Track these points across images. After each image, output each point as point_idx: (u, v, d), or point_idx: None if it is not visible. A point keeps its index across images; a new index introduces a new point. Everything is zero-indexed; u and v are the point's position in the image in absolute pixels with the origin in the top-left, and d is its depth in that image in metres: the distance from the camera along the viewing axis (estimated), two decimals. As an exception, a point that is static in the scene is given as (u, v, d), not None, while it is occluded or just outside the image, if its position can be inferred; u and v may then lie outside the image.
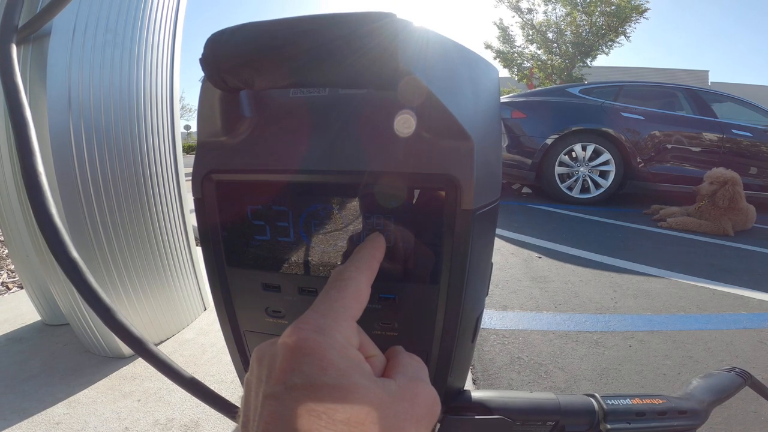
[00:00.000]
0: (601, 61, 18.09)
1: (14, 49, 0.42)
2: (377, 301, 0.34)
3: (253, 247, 0.36)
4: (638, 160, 3.87)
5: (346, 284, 0.26)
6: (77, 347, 0.90)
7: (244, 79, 0.27)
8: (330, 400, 0.18)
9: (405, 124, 0.28)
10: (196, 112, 0.36)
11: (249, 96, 0.33)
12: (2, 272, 1.78)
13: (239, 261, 0.37)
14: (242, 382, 0.51)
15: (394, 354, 0.28)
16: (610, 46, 17.07)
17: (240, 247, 0.36)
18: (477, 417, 0.46)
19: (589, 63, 17.47)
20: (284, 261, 0.36)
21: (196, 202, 0.35)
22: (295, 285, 0.36)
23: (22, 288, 1.37)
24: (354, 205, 0.32)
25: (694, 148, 3.97)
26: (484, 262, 0.35)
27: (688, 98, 4.19)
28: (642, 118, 3.92)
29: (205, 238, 0.36)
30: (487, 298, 0.44)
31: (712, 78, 26.97)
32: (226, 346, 0.49)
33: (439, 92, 0.27)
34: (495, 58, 18.38)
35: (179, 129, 1.04)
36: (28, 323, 1.00)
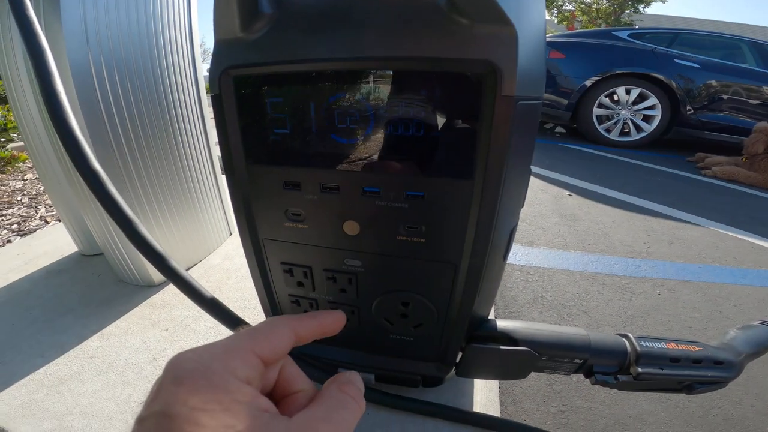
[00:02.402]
0: (655, 8, 15.69)
1: None
2: (404, 199, 0.32)
3: (273, 141, 0.34)
4: (688, 108, 3.61)
5: (263, 324, 0.25)
6: (111, 277, 0.93)
7: None
8: None
9: None
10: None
11: None
12: (40, 207, 1.87)
13: (259, 157, 0.36)
14: (259, 295, 0.52)
15: (326, 385, 0.26)
16: (669, -10, 14.67)
17: (260, 141, 0.35)
18: (502, 347, 0.44)
19: (641, 9, 14.78)
20: (305, 155, 0.34)
21: (214, 99, 0.34)
22: (317, 182, 0.35)
23: (59, 221, 1.44)
24: (382, 93, 0.29)
25: (752, 101, 3.65)
26: (522, 164, 0.32)
27: (754, 51, 3.79)
28: (698, 66, 3.61)
29: (223, 135, 0.35)
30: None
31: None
32: (248, 267, 0.50)
33: None
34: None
35: (199, 59, 1.01)
36: (66, 255, 1.05)
